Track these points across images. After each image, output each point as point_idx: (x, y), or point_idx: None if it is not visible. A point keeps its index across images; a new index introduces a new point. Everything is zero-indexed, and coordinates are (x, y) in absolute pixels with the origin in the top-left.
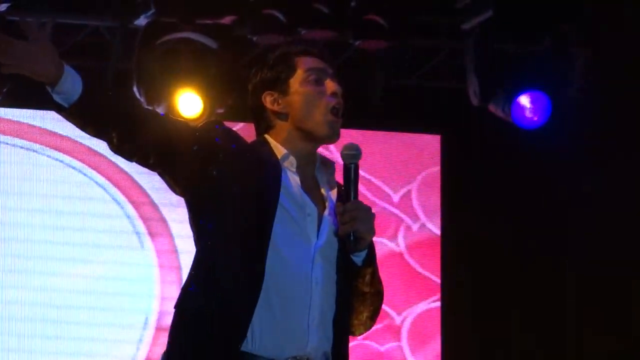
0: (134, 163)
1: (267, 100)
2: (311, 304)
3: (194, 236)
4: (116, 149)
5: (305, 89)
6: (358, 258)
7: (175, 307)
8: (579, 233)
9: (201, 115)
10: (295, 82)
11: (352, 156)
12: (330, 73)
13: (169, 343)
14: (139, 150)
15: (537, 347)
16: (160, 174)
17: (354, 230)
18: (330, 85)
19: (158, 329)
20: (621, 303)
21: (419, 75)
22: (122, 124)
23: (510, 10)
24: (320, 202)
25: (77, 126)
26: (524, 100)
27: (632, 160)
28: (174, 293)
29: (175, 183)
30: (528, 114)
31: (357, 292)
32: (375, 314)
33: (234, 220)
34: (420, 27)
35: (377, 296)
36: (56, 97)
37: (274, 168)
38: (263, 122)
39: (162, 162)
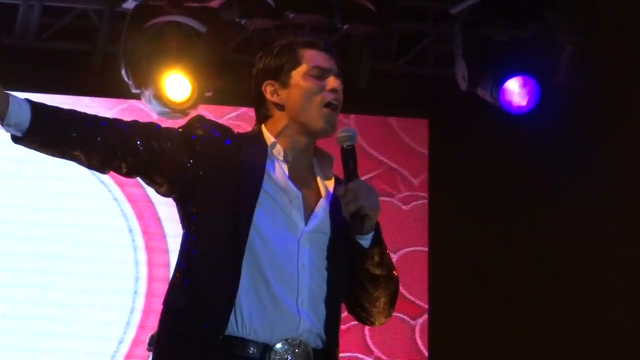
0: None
1: (267, 90)
2: (299, 287)
3: (182, 228)
4: (87, 166)
5: (306, 83)
6: (365, 241)
7: (163, 303)
8: (565, 218)
9: (189, 99)
10: (297, 75)
11: (348, 138)
12: (334, 70)
13: (157, 334)
14: (108, 163)
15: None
16: (141, 179)
17: (358, 207)
18: (332, 81)
19: (141, 327)
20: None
21: (406, 59)
22: (81, 142)
23: None
24: (313, 191)
25: (40, 152)
26: (513, 84)
27: (618, 146)
28: (161, 290)
29: (157, 186)
30: (516, 98)
31: (368, 276)
32: (392, 300)
33: (216, 209)
34: (409, 12)
35: (391, 280)
36: (7, 130)
37: (259, 156)
38: (262, 109)
39: (135, 171)
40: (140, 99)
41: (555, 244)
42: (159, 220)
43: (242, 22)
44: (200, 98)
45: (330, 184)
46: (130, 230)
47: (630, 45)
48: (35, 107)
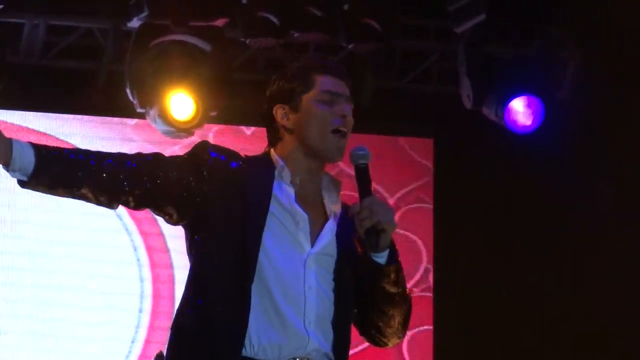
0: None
1: (278, 113)
2: (306, 309)
3: (189, 258)
4: (95, 203)
5: (316, 109)
6: (381, 258)
7: (171, 327)
8: (572, 234)
9: (194, 118)
10: (307, 100)
11: (361, 156)
12: (345, 95)
13: (166, 358)
14: (115, 199)
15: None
16: (150, 210)
17: (374, 223)
18: (341, 107)
19: (147, 341)
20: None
21: (410, 77)
22: (88, 181)
23: (502, 14)
24: (320, 214)
25: (47, 194)
26: (518, 104)
27: (622, 159)
28: (166, 308)
29: (167, 216)
30: (521, 118)
31: (384, 294)
32: (406, 319)
33: (224, 232)
34: (413, 30)
35: (405, 299)
36: (13, 175)
37: (267, 179)
38: (272, 132)
39: (143, 203)
40: (145, 118)
41: (561, 258)
42: (162, 235)
43: (247, 41)
44: (204, 117)
45: (338, 208)
46: (134, 247)
47: (633, 59)
48: (39, 150)
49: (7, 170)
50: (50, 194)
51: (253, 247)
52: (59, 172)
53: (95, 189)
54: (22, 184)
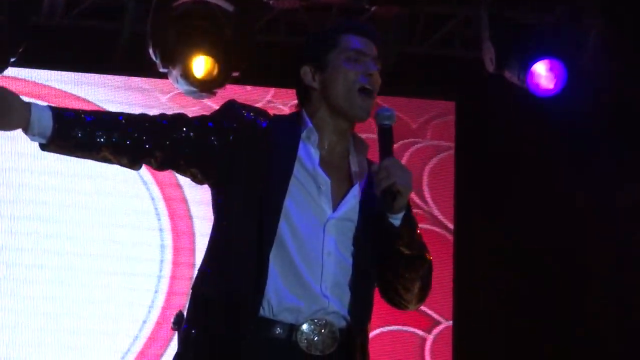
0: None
1: (304, 74)
2: (323, 274)
3: (214, 218)
4: (117, 164)
5: (342, 67)
6: (396, 220)
7: (192, 288)
8: (594, 200)
9: (216, 79)
10: (334, 60)
11: (387, 117)
12: (372, 55)
13: (186, 320)
14: (137, 161)
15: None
16: (174, 171)
17: (391, 183)
18: (368, 65)
19: (165, 307)
20: None
21: (433, 41)
22: (108, 144)
23: None
24: (344, 178)
25: (68, 156)
26: (540, 68)
27: None
28: (186, 274)
29: (191, 176)
30: (544, 81)
31: (401, 257)
32: (426, 284)
33: (247, 193)
34: None
35: (423, 262)
36: (32, 139)
37: (292, 140)
38: (300, 93)
39: (166, 164)
40: (167, 78)
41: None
42: (186, 202)
43: (270, 2)
44: (227, 78)
45: (363, 171)
46: (160, 230)
47: None
48: (58, 114)
49: (27, 134)
50: (71, 156)
51: (274, 210)
52: (78, 137)
53: (116, 152)
54: (42, 147)
